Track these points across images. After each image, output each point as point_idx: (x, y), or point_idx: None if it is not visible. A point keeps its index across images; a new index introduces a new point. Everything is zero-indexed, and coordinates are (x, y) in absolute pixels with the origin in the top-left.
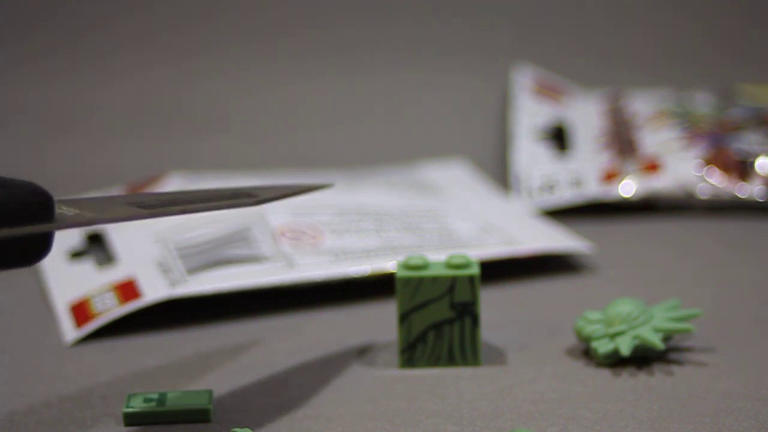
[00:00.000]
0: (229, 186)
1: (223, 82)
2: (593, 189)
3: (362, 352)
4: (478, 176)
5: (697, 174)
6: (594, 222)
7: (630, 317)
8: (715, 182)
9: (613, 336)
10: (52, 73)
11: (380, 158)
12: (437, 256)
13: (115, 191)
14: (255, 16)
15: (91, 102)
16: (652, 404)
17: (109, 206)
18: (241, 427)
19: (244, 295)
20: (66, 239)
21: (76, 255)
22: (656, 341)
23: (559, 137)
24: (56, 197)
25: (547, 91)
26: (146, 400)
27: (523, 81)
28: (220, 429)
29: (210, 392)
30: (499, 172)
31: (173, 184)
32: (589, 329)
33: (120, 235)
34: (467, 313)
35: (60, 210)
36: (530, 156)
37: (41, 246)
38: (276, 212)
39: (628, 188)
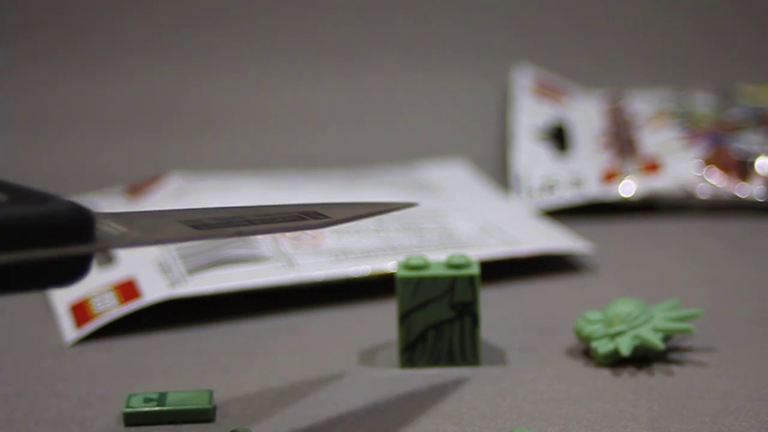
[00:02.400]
0: (294, 203)
1: (223, 82)
2: (593, 189)
3: (362, 352)
4: (478, 176)
5: (697, 174)
6: (594, 222)
7: (630, 317)
8: (715, 182)
9: (613, 336)
10: (52, 73)
11: (380, 158)
12: (437, 256)
13: (115, 191)
14: (255, 16)
15: (91, 102)
16: (652, 404)
17: (160, 224)
18: (242, 428)
19: (244, 295)
20: None
21: None
22: (656, 341)
23: (559, 137)
24: (107, 212)
25: (547, 91)
26: (146, 400)
27: (523, 81)
28: (220, 429)
29: (210, 392)
30: (499, 172)
31: (173, 184)
32: (589, 329)
33: None
34: (467, 313)
35: (107, 227)
36: (530, 156)
37: (79, 267)
38: None
39: (628, 188)
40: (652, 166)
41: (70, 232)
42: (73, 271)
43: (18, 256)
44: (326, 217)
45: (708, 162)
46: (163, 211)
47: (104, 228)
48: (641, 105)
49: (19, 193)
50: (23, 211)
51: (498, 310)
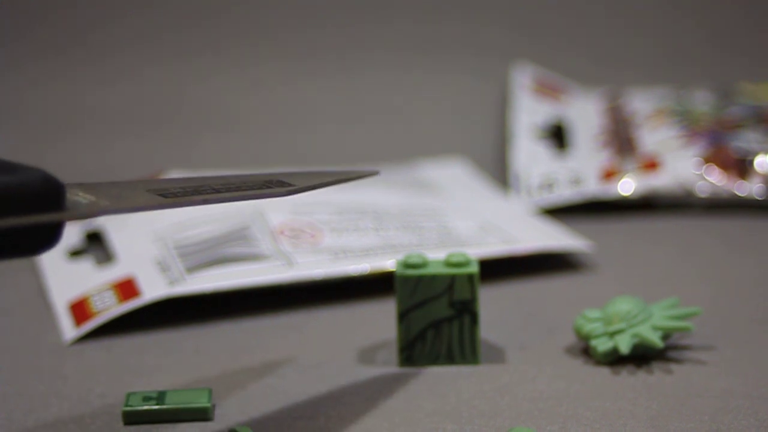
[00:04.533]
0: (260, 172)
1: (223, 82)
2: (592, 187)
3: (361, 351)
4: (478, 175)
5: (697, 172)
6: (593, 220)
7: (629, 315)
8: (714, 180)
9: (612, 334)
10: (52, 73)
11: (380, 158)
12: (436, 255)
13: None
14: (255, 16)
15: (91, 102)
16: (651, 402)
17: (128, 193)
18: (241, 426)
19: (244, 294)
20: (65, 237)
21: (75, 253)
22: (655, 339)
23: (558, 136)
24: (73, 182)
25: (546, 90)
26: (145, 399)
27: (523, 80)
28: (219, 428)
29: (209, 391)
30: (499, 171)
31: None
32: (589, 327)
33: (119, 233)
34: (466, 311)
35: (76, 197)
36: (529, 155)
37: (51, 235)
38: (275, 210)
39: (627, 186)
40: (651, 165)
41: (40, 200)
42: (43, 239)
43: None
44: (290, 185)
45: (707, 160)
46: (130, 181)
47: (73, 197)
48: (640, 103)
49: None
50: None
51: (497, 308)
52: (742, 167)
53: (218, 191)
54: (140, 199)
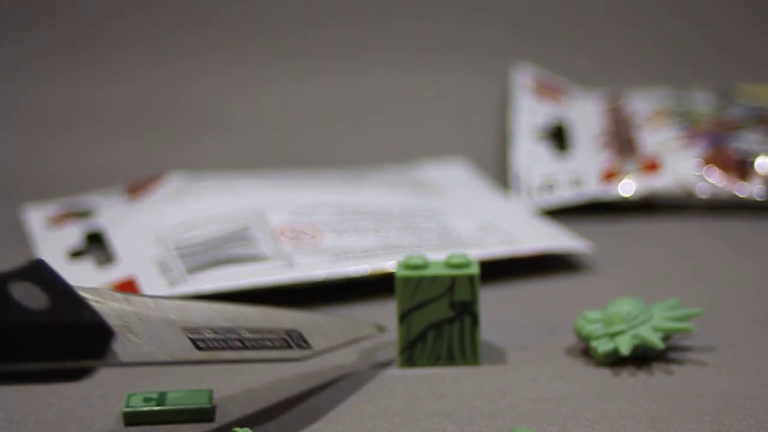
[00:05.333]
0: (287, 316)
1: (223, 82)
2: (593, 188)
3: (362, 352)
4: (478, 176)
5: (697, 173)
6: (593, 221)
7: (630, 316)
8: (714, 181)
9: (612, 335)
10: (51, 72)
11: (380, 158)
12: (437, 256)
13: (115, 191)
14: (254, 16)
15: (91, 102)
16: (651, 403)
17: (166, 333)
18: (241, 427)
19: (244, 295)
20: (66, 239)
21: (76, 254)
22: (656, 340)
23: (558, 136)
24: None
25: (546, 91)
26: (146, 400)
27: (523, 80)
28: (220, 429)
29: (210, 392)
30: (499, 172)
31: (173, 183)
32: (589, 328)
33: (120, 234)
34: (467, 312)
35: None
36: (530, 155)
37: (82, 374)
38: (276, 212)
39: (627, 187)
40: (651, 166)
41: (85, 347)
42: (75, 375)
43: (27, 366)
44: (308, 345)
45: (707, 161)
46: (165, 318)
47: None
48: (641, 104)
49: (59, 298)
50: (45, 322)
51: (498, 309)
52: (742, 168)
53: (245, 347)
54: (177, 347)
